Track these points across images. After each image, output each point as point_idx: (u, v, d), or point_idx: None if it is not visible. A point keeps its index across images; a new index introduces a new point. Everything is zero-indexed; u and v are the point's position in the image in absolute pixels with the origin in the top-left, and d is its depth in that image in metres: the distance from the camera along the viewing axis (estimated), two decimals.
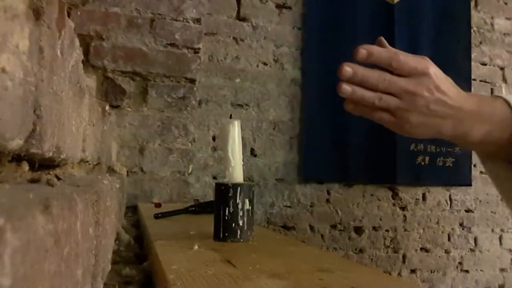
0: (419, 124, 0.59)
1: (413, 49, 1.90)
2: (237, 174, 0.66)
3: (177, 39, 1.50)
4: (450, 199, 1.99)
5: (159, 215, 0.97)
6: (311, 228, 1.78)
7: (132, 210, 1.33)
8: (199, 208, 1.07)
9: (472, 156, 1.98)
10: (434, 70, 0.59)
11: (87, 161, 0.54)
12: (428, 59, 0.59)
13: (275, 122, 1.75)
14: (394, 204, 1.91)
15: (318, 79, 1.78)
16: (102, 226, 0.43)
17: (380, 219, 1.88)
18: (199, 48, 1.53)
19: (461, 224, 2.00)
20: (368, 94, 0.61)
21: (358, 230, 1.85)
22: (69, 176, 0.41)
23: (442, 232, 1.97)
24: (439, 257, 1.95)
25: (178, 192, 1.48)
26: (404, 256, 1.90)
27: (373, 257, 1.86)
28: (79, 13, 1.39)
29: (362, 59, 0.60)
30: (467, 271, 1.98)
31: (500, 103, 0.58)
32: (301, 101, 1.77)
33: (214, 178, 1.62)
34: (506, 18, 2.12)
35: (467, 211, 2.01)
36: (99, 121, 0.64)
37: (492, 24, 2.10)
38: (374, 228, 1.87)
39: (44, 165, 0.32)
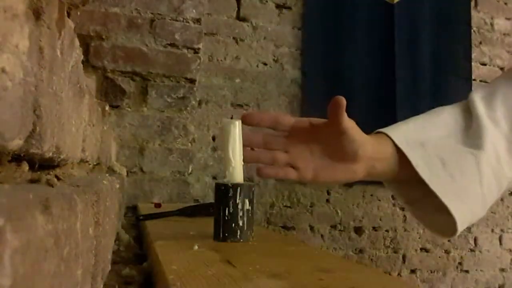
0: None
1: (413, 49, 1.91)
2: (237, 174, 0.66)
3: (177, 39, 1.50)
4: None
5: (141, 217, 0.96)
6: (311, 228, 1.78)
7: (132, 210, 1.33)
8: (190, 211, 1.02)
9: None
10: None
11: (87, 161, 0.54)
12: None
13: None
14: (394, 204, 1.91)
15: (318, 79, 1.78)
16: (102, 226, 0.43)
17: (380, 219, 1.88)
18: (199, 48, 1.53)
19: None
20: (263, 155, 0.65)
21: (358, 230, 1.85)
22: (69, 176, 0.41)
23: None
24: (439, 257, 1.95)
25: (178, 192, 1.48)
26: (404, 256, 1.90)
27: (373, 257, 1.86)
28: (79, 13, 1.39)
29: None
30: (467, 271, 1.98)
31: (384, 140, 0.63)
32: (301, 101, 1.77)
33: (214, 178, 1.62)
34: (506, 18, 2.12)
35: None
36: (99, 121, 0.64)
37: (492, 24, 2.10)
38: (374, 228, 1.87)
39: (44, 165, 0.32)
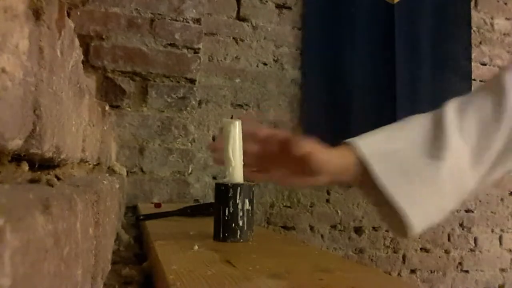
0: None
1: (413, 49, 1.91)
2: (237, 174, 0.66)
3: (177, 39, 1.50)
4: None
5: (141, 217, 0.97)
6: (311, 228, 1.78)
7: (132, 210, 1.33)
8: (190, 210, 1.02)
9: None
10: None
11: (87, 161, 0.54)
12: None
13: (275, 122, 1.75)
14: None
15: (318, 79, 1.78)
16: (102, 226, 0.43)
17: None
18: (199, 48, 1.53)
19: (461, 224, 2.00)
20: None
21: (358, 230, 1.85)
22: (69, 176, 0.41)
23: (442, 232, 1.97)
24: (439, 257, 1.95)
25: (178, 192, 1.48)
26: (404, 256, 1.90)
27: (373, 257, 1.86)
28: (79, 13, 1.39)
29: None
30: (467, 271, 1.98)
31: (348, 152, 0.68)
32: (301, 101, 1.77)
33: (214, 178, 1.62)
34: (506, 18, 2.12)
35: (467, 211, 2.01)
36: (99, 121, 0.64)
37: (492, 24, 2.10)
38: (374, 228, 1.87)
39: (44, 165, 0.32)
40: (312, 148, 0.65)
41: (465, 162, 0.70)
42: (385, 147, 0.70)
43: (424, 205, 0.68)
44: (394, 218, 0.68)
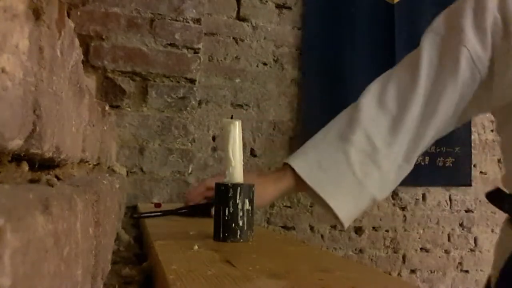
0: None
1: (413, 49, 1.90)
2: (237, 174, 0.66)
3: (177, 39, 1.50)
4: (450, 199, 1.99)
5: (135, 216, 0.97)
6: (311, 228, 1.78)
7: (132, 210, 1.33)
8: (187, 210, 1.00)
9: (472, 156, 1.99)
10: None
11: (87, 161, 0.54)
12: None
13: (275, 122, 1.75)
14: (394, 204, 1.91)
15: (318, 79, 1.78)
16: (102, 226, 0.43)
17: (380, 219, 1.88)
18: (199, 48, 1.53)
19: (461, 224, 2.00)
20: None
21: (358, 230, 1.85)
22: (69, 176, 0.41)
23: (442, 232, 1.97)
24: (439, 257, 1.95)
25: (178, 192, 1.48)
26: (404, 256, 1.90)
27: (373, 257, 1.86)
28: (79, 13, 1.39)
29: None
30: (467, 271, 1.98)
31: (288, 171, 0.79)
32: (301, 101, 1.77)
33: None
34: None
35: (467, 211, 2.01)
36: (99, 121, 0.64)
37: None
38: (374, 228, 1.87)
39: (44, 165, 0.32)
40: (257, 198, 0.70)
41: (383, 130, 0.77)
42: (314, 156, 0.79)
43: (343, 190, 0.77)
44: (330, 211, 0.79)
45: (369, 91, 0.81)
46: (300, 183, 0.79)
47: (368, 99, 0.80)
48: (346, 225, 0.81)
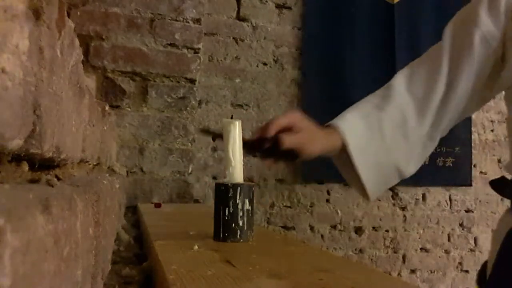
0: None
1: (413, 49, 1.91)
2: (237, 174, 0.66)
3: (177, 39, 1.50)
4: (450, 199, 1.99)
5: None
6: (311, 228, 1.78)
7: (132, 210, 1.33)
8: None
9: (472, 156, 1.98)
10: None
11: (87, 161, 0.54)
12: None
13: None
14: (394, 204, 1.91)
15: (318, 79, 1.78)
16: (102, 226, 0.43)
17: (380, 219, 1.88)
18: (199, 48, 1.53)
19: (461, 224, 2.00)
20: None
21: (358, 230, 1.85)
22: (69, 176, 0.41)
23: (442, 232, 1.97)
24: (439, 257, 1.95)
25: (178, 192, 1.48)
26: (404, 256, 1.90)
27: (373, 257, 1.86)
28: (79, 13, 1.39)
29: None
30: (467, 271, 1.98)
31: (334, 132, 0.80)
32: (301, 101, 1.77)
33: (214, 178, 1.62)
34: None
35: (467, 211, 2.01)
36: (99, 121, 0.64)
37: None
38: (374, 228, 1.87)
39: (44, 165, 0.32)
40: (300, 141, 0.73)
41: (411, 112, 0.83)
42: (358, 125, 0.82)
43: (372, 161, 0.81)
44: (358, 184, 0.82)
45: (398, 77, 0.88)
46: (342, 148, 0.81)
47: (399, 83, 0.87)
48: (372, 198, 0.85)
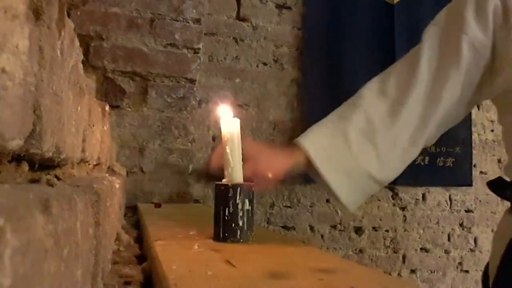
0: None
1: None
2: (236, 174, 0.66)
3: (177, 39, 1.50)
4: (450, 199, 1.99)
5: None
6: (311, 228, 1.78)
7: (132, 210, 1.33)
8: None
9: (472, 156, 1.98)
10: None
11: (87, 161, 0.54)
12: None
13: (275, 122, 1.75)
14: (394, 204, 1.91)
15: (318, 79, 1.78)
16: (102, 226, 0.43)
17: (380, 219, 1.88)
18: (199, 48, 1.53)
19: (461, 224, 2.00)
20: None
21: (358, 230, 1.85)
22: (69, 176, 0.41)
23: (442, 232, 1.97)
24: (439, 257, 1.95)
25: (178, 192, 1.48)
26: (404, 256, 1.90)
27: (373, 257, 1.86)
28: (79, 13, 1.39)
29: None
30: (467, 271, 1.98)
31: (297, 151, 0.79)
32: (301, 101, 1.77)
33: None
34: None
35: (467, 211, 2.01)
36: (99, 121, 0.64)
37: None
38: (374, 228, 1.87)
39: (44, 165, 0.32)
40: (268, 168, 0.74)
41: (381, 113, 0.79)
42: (316, 137, 0.82)
43: (341, 172, 0.78)
44: (333, 193, 0.79)
45: (370, 82, 0.85)
46: (307, 162, 0.80)
47: (369, 88, 0.84)
48: (350, 208, 0.82)
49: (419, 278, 1.91)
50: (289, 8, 1.79)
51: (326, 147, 0.79)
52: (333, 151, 0.79)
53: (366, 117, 0.80)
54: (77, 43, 0.40)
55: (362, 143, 0.79)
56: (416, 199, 1.94)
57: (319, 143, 0.80)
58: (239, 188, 0.65)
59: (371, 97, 0.82)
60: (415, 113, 0.79)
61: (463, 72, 0.77)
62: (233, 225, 0.64)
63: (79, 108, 0.42)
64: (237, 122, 0.67)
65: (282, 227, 1.74)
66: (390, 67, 0.85)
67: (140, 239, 0.87)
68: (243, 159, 0.70)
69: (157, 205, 1.26)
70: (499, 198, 0.83)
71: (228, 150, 0.66)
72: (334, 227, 1.81)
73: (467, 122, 1.96)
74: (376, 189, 0.83)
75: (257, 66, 1.74)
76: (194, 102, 1.53)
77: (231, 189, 0.65)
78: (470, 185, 1.98)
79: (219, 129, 0.69)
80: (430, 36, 0.81)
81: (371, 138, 0.79)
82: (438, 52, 0.79)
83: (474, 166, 2.00)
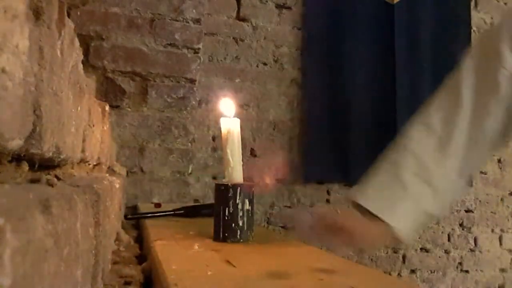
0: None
1: (413, 49, 1.91)
2: (236, 174, 0.66)
3: (177, 39, 1.50)
4: None
5: (129, 217, 0.98)
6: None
7: (132, 210, 1.33)
8: (184, 211, 1.00)
9: None
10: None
11: (87, 161, 0.54)
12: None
13: (275, 122, 1.75)
14: None
15: (318, 79, 1.78)
16: (102, 226, 0.43)
17: None
18: (199, 48, 1.53)
19: (461, 224, 2.00)
20: None
21: None
22: (69, 176, 0.41)
23: (442, 232, 1.97)
24: (439, 257, 1.95)
25: (178, 192, 1.48)
26: (404, 256, 1.90)
27: (373, 257, 1.86)
28: (79, 13, 1.39)
29: None
30: (467, 271, 1.98)
31: (379, 225, 0.78)
32: (301, 101, 1.77)
33: (214, 178, 1.62)
34: None
35: (467, 211, 2.01)
36: (99, 121, 0.64)
37: (492, 24, 2.09)
38: None
39: (44, 165, 0.32)
40: (363, 243, 0.79)
41: (430, 151, 0.80)
42: (375, 190, 0.82)
43: (396, 208, 0.79)
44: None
45: (413, 119, 0.85)
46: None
47: (413, 126, 0.84)
48: (408, 241, 0.86)
49: (419, 278, 1.91)
50: (289, 8, 1.79)
51: (389, 199, 0.79)
52: (395, 201, 0.79)
53: (415, 157, 0.81)
54: (77, 43, 0.40)
55: (417, 185, 0.80)
56: None
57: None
58: (239, 188, 0.65)
59: (416, 135, 0.83)
60: (462, 147, 0.80)
61: (504, 105, 0.78)
62: (233, 225, 0.64)
63: (79, 108, 0.42)
64: (237, 122, 0.67)
65: (282, 227, 1.74)
66: (428, 101, 0.86)
67: (140, 239, 0.87)
68: (333, 229, 0.75)
69: (157, 205, 1.26)
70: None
71: (228, 150, 0.66)
72: None
73: None
74: (431, 223, 0.88)
75: (257, 66, 1.74)
76: (194, 102, 1.52)
77: (231, 189, 0.65)
78: (470, 185, 1.98)
79: (219, 129, 0.69)
80: (467, 69, 0.83)
81: (425, 178, 0.80)
82: (477, 86, 0.81)
83: None
